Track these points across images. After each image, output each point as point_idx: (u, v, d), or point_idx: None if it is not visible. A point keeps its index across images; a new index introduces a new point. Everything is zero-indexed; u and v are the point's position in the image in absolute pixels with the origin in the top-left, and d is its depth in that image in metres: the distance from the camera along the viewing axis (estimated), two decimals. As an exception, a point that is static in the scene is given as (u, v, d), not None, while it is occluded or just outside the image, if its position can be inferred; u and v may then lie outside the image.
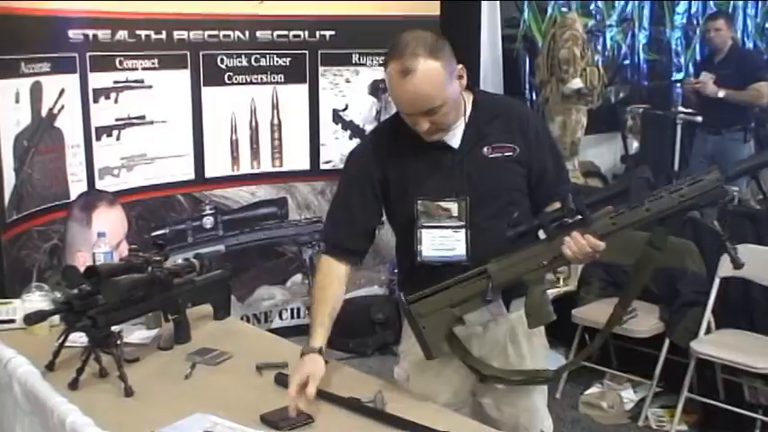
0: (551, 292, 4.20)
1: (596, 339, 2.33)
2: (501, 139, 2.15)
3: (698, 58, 7.71)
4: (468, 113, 2.15)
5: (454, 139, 2.15)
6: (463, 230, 2.13)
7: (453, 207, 2.13)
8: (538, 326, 2.11)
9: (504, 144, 2.14)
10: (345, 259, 2.25)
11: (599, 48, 7.20)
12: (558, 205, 2.05)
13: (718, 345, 3.67)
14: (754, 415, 3.68)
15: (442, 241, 2.14)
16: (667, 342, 3.84)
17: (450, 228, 2.13)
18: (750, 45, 8.29)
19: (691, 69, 7.72)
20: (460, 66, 2.08)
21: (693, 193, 1.90)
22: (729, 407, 3.73)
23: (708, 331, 3.80)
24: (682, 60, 8.04)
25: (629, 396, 4.02)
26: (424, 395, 2.17)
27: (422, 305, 2.09)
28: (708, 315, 3.80)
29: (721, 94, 5.68)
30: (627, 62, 7.64)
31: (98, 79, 4.08)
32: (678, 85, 6.34)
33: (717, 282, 3.81)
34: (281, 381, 2.17)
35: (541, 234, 2.04)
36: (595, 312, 4.02)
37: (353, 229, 2.25)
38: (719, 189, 1.90)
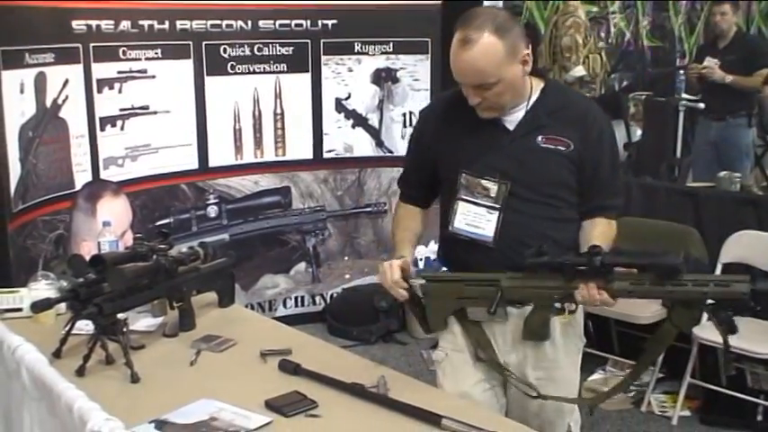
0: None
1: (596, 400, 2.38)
2: (557, 132, 2.14)
3: (701, 44, 7.69)
4: (532, 100, 2.16)
5: (513, 121, 2.16)
6: (497, 213, 2.14)
7: (493, 188, 2.14)
8: (531, 340, 2.15)
9: (559, 137, 2.13)
10: (413, 203, 2.38)
11: (602, 35, 7.20)
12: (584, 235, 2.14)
13: (721, 330, 3.68)
14: (757, 400, 3.69)
15: (475, 218, 2.16)
16: (670, 328, 3.85)
17: (486, 207, 2.15)
18: (754, 31, 8.27)
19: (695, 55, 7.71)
20: (527, 52, 2.07)
21: (717, 295, 1.89)
22: (732, 392, 3.74)
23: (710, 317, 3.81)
24: (685, 47, 8.03)
25: (632, 382, 4.03)
26: (461, 373, 2.24)
27: (432, 287, 2.15)
28: (710, 301, 3.80)
29: (728, 79, 5.66)
30: (630, 49, 7.64)
31: (102, 70, 4.10)
32: (681, 72, 6.31)
33: (719, 268, 3.81)
34: (285, 367, 2.19)
35: None
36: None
37: (414, 181, 2.37)
38: (744, 300, 1.87)
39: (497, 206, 2.14)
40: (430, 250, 4.43)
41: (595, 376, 4.13)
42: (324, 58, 4.82)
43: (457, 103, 2.19)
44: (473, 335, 2.22)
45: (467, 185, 2.17)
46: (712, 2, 6.22)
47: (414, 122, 2.47)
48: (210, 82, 4.53)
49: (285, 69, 4.75)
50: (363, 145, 4.97)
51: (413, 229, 2.33)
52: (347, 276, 5.03)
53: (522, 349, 2.22)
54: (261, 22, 4.64)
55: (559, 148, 2.13)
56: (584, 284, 1.96)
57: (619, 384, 2.37)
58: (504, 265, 2.09)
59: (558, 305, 2.06)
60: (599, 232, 2.16)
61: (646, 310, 3.86)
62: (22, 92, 3.66)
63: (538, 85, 2.17)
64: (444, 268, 2.37)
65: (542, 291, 2.04)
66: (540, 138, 2.13)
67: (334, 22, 4.80)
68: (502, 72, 2.03)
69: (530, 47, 2.10)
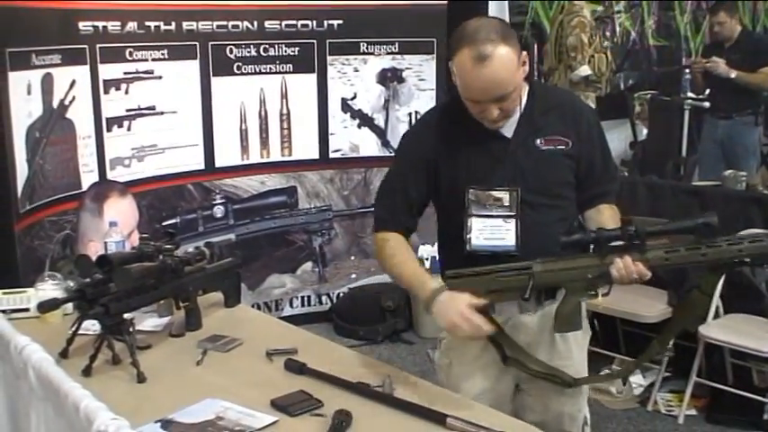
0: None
1: (630, 364, 2.34)
2: (555, 132, 2.13)
3: (707, 42, 7.68)
4: (523, 103, 2.14)
5: (508, 129, 2.13)
6: (513, 220, 2.11)
7: (505, 197, 2.11)
8: (563, 332, 2.12)
9: (557, 137, 2.13)
10: (399, 232, 2.24)
11: (607, 34, 7.20)
12: (605, 218, 2.13)
13: (727, 329, 3.68)
14: (763, 399, 3.69)
15: (493, 231, 2.12)
16: (676, 327, 3.85)
17: (501, 217, 2.11)
18: (760, 30, 8.25)
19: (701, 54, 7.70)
20: (525, 53, 2.05)
21: (752, 251, 1.90)
22: (738, 391, 3.74)
23: (716, 316, 3.81)
24: (691, 46, 8.02)
25: (637, 381, 4.03)
26: (465, 382, 2.21)
27: (457, 284, 2.09)
28: (716, 300, 3.81)
29: (733, 74, 5.66)
30: (636, 48, 7.63)
31: (108, 70, 4.11)
32: (687, 70, 6.31)
33: (725, 267, 3.81)
34: (291, 367, 2.20)
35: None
36: (604, 298, 4.01)
37: (404, 205, 2.24)
38: None
39: (513, 213, 2.11)
40: (435, 250, 4.43)
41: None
42: (330, 58, 4.83)
43: (446, 119, 2.18)
44: (498, 339, 2.18)
45: (476, 200, 2.12)
46: (710, 11, 6.22)
47: (400, 143, 2.34)
48: (217, 82, 4.54)
49: (291, 70, 4.76)
50: (369, 145, 4.98)
51: (413, 257, 2.23)
52: (353, 276, 5.04)
53: (535, 347, 2.23)
54: (267, 23, 4.65)
55: (559, 147, 2.13)
56: (620, 258, 1.94)
57: (648, 352, 2.31)
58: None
59: (590, 289, 2.02)
60: (608, 217, 2.17)
61: (652, 309, 3.87)
62: (29, 93, 3.68)
63: (525, 88, 2.15)
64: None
65: (576, 271, 2.00)
66: (538, 141, 2.12)
67: (340, 22, 4.81)
68: (516, 78, 2.02)
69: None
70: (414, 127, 2.36)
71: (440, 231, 2.31)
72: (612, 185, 2.25)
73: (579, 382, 2.23)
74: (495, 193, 2.12)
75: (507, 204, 2.11)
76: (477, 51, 1.95)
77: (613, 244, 1.97)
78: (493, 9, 5.70)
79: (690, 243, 1.93)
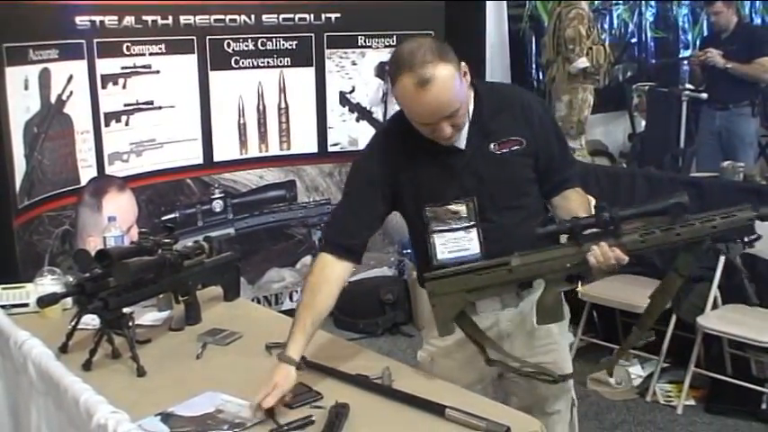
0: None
1: (615, 355, 2.35)
2: (507, 134, 2.11)
3: (705, 34, 7.68)
4: (471, 111, 2.11)
5: (460, 139, 2.11)
6: (474, 230, 2.11)
7: (462, 209, 2.11)
8: (546, 323, 2.09)
9: (510, 138, 2.11)
10: (344, 257, 2.16)
11: (605, 26, 7.19)
12: (576, 206, 2.12)
13: (725, 320, 3.69)
14: (761, 389, 3.70)
15: (456, 243, 2.12)
16: (674, 318, 3.86)
17: (461, 229, 2.11)
18: (758, 21, 8.24)
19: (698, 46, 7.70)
20: (463, 63, 2.03)
21: (725, 226, 1.91)
22: (736, 381, 3.75)
23: (714, 306, 3.82)
24: (689, 37, 8.01)
25: (636, 372, 4.04)
26: (449, 378, 2.18)
27: (437, 285, 2.10)
28: (714, 290, 3.81)
29: (729, 65, 5.67)
30: (634, 40, 7.62)
31: (106, 65, 4.10)
32: (685, 62, 6.31)
33: (723, 257, 3.82)
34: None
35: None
36: (603, 289, 4.03)
37: (355, 227, 2.18)
38: (750, 227, 1.91)
39: (473, 223, 2.11)
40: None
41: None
42: (327, 51, 4.83)
43: (400, 137, 2.14)
44: (478, 338, 2.18)
45: (435, 216, 2.13)
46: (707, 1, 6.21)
47: (353, 168, 2.29)
48: (215, 77, 4.54)
49: (289, 63, 4.76)
50: (368, 138, 4.94)
51: (321, 308, 2.10)
52: (353, 269, 5.03)
53: (515, 339, 2.24)
54: (264, 17, 4.64)
55: (514, 148, 2.11)
56: (596, 245, 1.94)
57: (629, 339, 2.31)
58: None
59: (570, 279, 2.02)
60: (576, 201, 2.18)
61: (650, 301, 3.86)
62: (26, 88, 3.68)
63: (470, 94, 2.12)
64: None
65: (554, 262, 2.00)
66: (492, 146, 2.10)
67: (338, 15, 4.81)
68: (460, 95, 1.99)
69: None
70: (366, 149, 2.28)
71: (411, 241, 2.31)
72: (573, 169, 2.24)
73: (565, 378, 2.23)
74: (452, 207, 2.12)
75: (465, 215, 2.11)
76: (418, 76, 1.92)
77: (588, 232, 1.97)
78: (490, 2, 5.72)
79: (664, 224, 1.93)
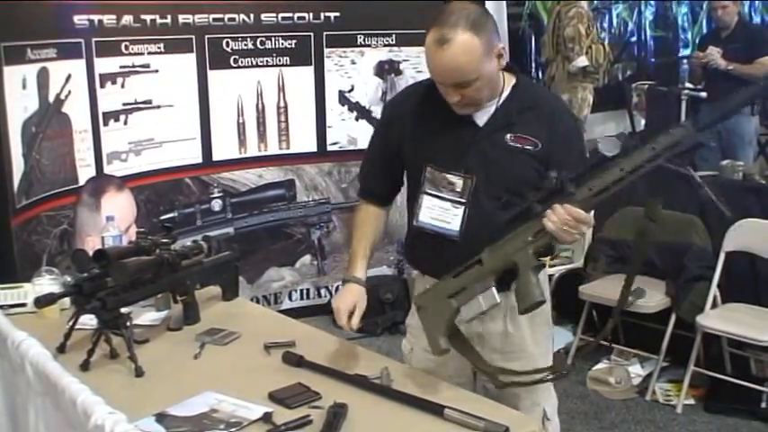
0: (555, 270, 4.25)
1: (608, 323, 2.30)
2: (527, 131, 2.12)
3: (705, 32, 7.68)
4: (503, 96, 2.14)
5: (482, 117, 2.14)
6: (462, 207, 2.13)
7: (459, 182, 2.13)
8: (527, 310, 2.01)
9: (527, 137, 2.11)
10: (374, 202, 2.37)
11: (605, 25, 7.20)
12: None
13: (725, 319, 3.69)
14: (761, 388, 3.70)
15: (441, 213, 2.16)
16: (674, 317, 3.86)
17: (451, 201, 2.14)
18: (757, 20, 8.25)
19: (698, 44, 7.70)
20: (502, 45, 2.05)
21: (666, 142, 1.84)
22: (736, 380, 3.76)
23: (714, 305, 3.82)
24: (689, 36, 8.01)
25: (636, 371, 4.05)
26: (426, 369, 2.20)
27: (423, 298, 2.13)
28: (714, 289, 3.82)
29: (730, 67, 5.67)
30: (633, 39, 7.62)
31: (104, 64, 4.10)
32: (685, 61, 6.31)
33: (722, 256, 3.82)
34: (289, 359, 2.20)
35: None
36: (602, 288, 4.04)
37: (376, 173, 2.36)
38: (692, 137, 1.84)
39: (463, 200, 2.13)
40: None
41: (600, 365, 4.14)
42: (327, 50, 4.82)
43: (427, 96, 2.17)
44: (466, 353, 2.18)
45: (432, 179, 2.16)
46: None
47: (382, 111, 2.45)
48: (213, 76, 4.53)
49: (288, 62, 4.75)
50: (367, 137, 4.87)
51: (369, 236, 2.34)
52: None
53: (488, 338, 2.23)
54: (263, 16, 4.63)
55: (527, 147, 2.11)
56: (550, 209, 1.92)
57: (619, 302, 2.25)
58: (468, 257, 2.05)
59: (538, 254, 1.98)
60: None
61: (650, 299, 3.87)
62: (24, 87, 3.67)
63: (510, 82, 2.15)
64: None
65: (516, 239, 1.99)
66: (508, 136, 2.11)
67: (337, 14, 4.80)
68: (480, 68, 2.00)
69: (501, 40, 2.08)
70: (392, 99, 2.43)
71: (408, 208, 2.33)
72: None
73: (509, 383, 2.15)
74: (450, 177, 2.14)
75: (459, 190, 2.13)
76: (440, 34, 1.97)
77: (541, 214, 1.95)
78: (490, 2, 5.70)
79: (604, 165, 1.89)
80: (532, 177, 2.12)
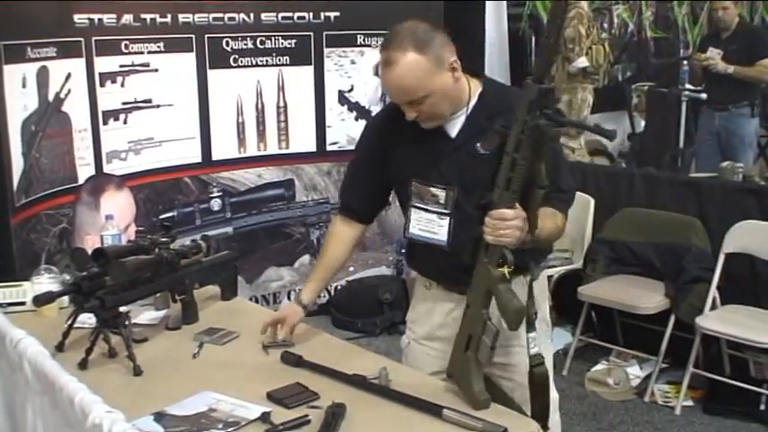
0: (554, 271, 4.25)
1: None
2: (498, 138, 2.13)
3: (705, 33, 7.68)
4: (471, 105, 2.16)
5: (454, 128, 2.17)
6: (447, 218, 2.17)
7: (441, 194, 2.17)
8: (513, 322, 1.95)
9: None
10: (352, 219, 2.41)
11: (605, 26, 7.19)
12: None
13: (724, 320, 3.69)
14: (760, 390, 3.70)
15: (428, 224, 2.20)
16: (673, 318, 3.85)
17: (436, 213, 2.18)
18: (758, 21, 8.25)
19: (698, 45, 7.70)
20: (454, 59, 2.07)
21: (523, 107, 1.86)
22: (735, 382, 3.75)
23: (713, 307, 3.82)
24: (689, 37, 8.01)
25: (635, 372, 4.05)
26: (422, 361, 2.27)
27: (450, 367, 2.10)
28: (713, 291, 3.81)
29: (730, 70, 5.67)
30: (634, 40, 7.62)
31: (104, 63, 4.10)
32: (685, 62, 6.31)
33: (722, 258, 3.82)
34: (288, 359, 2.20)
35: None
36: (601, 290, 4.04)
37: (359, 192, 2.38)
38: (536, 89, 1.86)
39: (447, 212, 2.17)
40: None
41: (599, 366, 4.14)
42: (326, 50, 4.82)
43: (400, 113, 2.19)
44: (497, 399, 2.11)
45: (417, 193, 2.20)
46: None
47: (361, 133, 2.45)
48: (213, 75, 4.53)
49: (288, 62, 4.75)
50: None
51: (331, 259, 2.41)
52: (351, 269, 5.03)
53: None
54: (263, 15, 4.63)
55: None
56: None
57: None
58: (461, 265, 2.05)
59: (496, 266, 1.96)
60: (545, 216, 2.08)
61: (649, 301, 3.88)
62: (24, 86, 3.67)
63: (476, 89, 2.17)
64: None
65: (480, 268, 1.98)
66: (479, 144, 2.12)
67: (337, 14, 4.80)
68: (430, 85, 2.04)
69: (455, 52, 2.09)
70: (372, 119, 2.45)
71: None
72: (557, 194, 2.16)
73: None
74: (433, 190, 2.18)
75: (443, 202, 2.17)
76: (386, 56, 2.04)
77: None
78: (489, 1, 5.72)
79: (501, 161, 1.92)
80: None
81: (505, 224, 1.91)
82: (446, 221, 2.17)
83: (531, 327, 2.01)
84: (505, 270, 1.95)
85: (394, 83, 2.05)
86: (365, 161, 2.36)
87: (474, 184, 2.10)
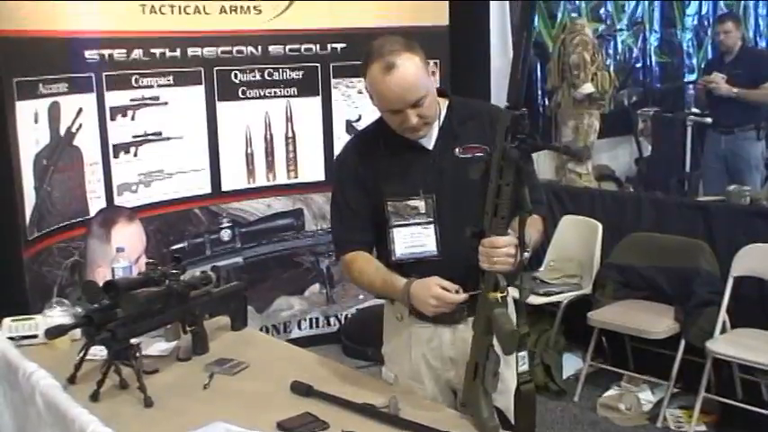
0: (563, 297, 4.25)
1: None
2: (473, 140, 2.20)
3: (710, 58, 7.71)
4: (442, 117, 2.24)
5: (429, 141, 2.22)
6: (432, 226, 2.19)
7: (421, 204, 2.19)
8: (509, 348, 1.95)
9: (475, 145, 2.20)
10: (360, 249, 2.30)
11: (610, 52, 7.22)
12: None
13: (734, 344, 3.68)
14: (772, 413, 3.69)
15: (413, 239, 2.20)
16: (683, 342, 3.84)
17: (420, 224, 2.20)
18: (762, 44, 8.28)
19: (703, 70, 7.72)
20: (432, 62, 2.15)
21: (501, 131, 1.87)
22: (748, 406, 3.73)
23: (723, 331, 3.81)
24: (694, 62, 8.04)
25: (646, 397, 4.03)
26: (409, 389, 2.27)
27: (463, 396, 2.13)
28: (723, 314, 3.81)
29: (734, 92, 5.69)
30: (639, 65, 7.65)
31: (115, 97, 4.15)
32: (690, 86, 6.34)
33: (731, 281, 3.82)
34: (298, 389, 2.21)
35: None
36: (611, 315, 4.04)
37: (355, 229, 2.30)
38: (512, 115, 1.86)
39: (431, 219, 2.19)
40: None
41: (610, 392, 4.12)
42: (333, 81, 4.86)
43: (373, 139, 2.26)
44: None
45: (395, 211, 2.21)
46: (717, 19, 6.24)
47: (334, 171, 2.46)
48: (222, 107, 4.58)
49: (295, 93, 4.79)
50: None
51: (381, 266, 2.26)
52: (361, 297, 5.04)
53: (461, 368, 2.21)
54: (271, 48, 4.68)
55: (477, 154, 2.18)
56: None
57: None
58: (453, 273, 2.09)
59: (494, 293, 1.98)
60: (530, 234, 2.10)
61: (659, 325, 3.87)
62: (36, 121, 3.72)
63: (444, 103, 2.26)
64: None
65: (480, 298, 2.01)
66: (457, 149, 2.20)
67: (343, 45, 4.84)
68: (426, 83, 2.12)
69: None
70: (341, 153, 2.41)
71: (377, 242, 2.33)
72: (533, 194, 2.11)
73: None
74: (412, 202, 2.20)
75: (424, 211, 2.19)
76: (385, 62, 2.07)
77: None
78: (494, 29, 5.75)
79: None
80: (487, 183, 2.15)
81: (497, 252, 1.93)
82: (431, 229, 2.19)
83: (521, 346, 1.98)
84: (498, 295, 1.97)
85: (400, 83, 2.07)
86: (351, 194, 2.30)
87: (455, 189, 2.17)
